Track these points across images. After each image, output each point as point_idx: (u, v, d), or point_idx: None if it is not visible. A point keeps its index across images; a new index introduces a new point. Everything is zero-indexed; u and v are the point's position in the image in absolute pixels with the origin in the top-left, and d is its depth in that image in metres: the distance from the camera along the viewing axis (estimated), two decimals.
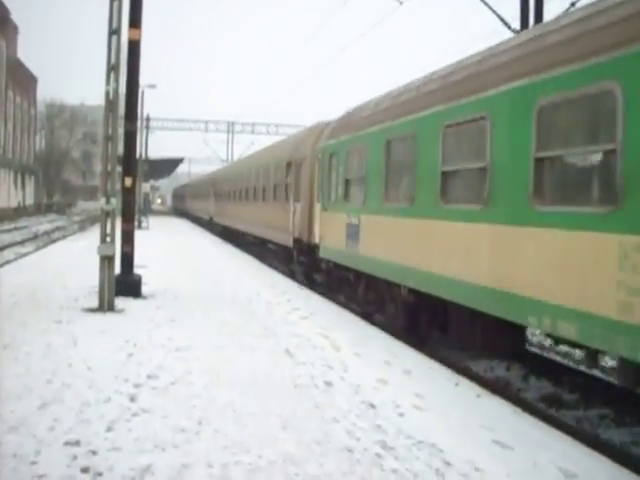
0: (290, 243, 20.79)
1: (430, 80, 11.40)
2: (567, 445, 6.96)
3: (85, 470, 5.37)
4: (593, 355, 7.72)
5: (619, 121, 6.53)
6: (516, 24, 16.56)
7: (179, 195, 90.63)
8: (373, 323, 13.43)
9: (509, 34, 15.86)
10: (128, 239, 14.98)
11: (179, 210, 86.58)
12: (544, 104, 7.69)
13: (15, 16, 71.46)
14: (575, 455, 6.61)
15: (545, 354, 12.50)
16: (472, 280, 9.10)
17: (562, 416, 8.70)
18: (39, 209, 77.00)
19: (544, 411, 8.66)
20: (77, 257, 22.68)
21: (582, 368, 10.82)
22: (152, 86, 50.77)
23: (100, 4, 16.37)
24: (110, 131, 13.18)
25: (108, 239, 13.10)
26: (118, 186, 14.79)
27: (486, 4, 16.57)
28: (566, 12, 11.24)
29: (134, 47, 14.80)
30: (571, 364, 11.75)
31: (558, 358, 12.27)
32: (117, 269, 13.81)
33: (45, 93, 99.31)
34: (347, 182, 14.85)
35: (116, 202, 13.29)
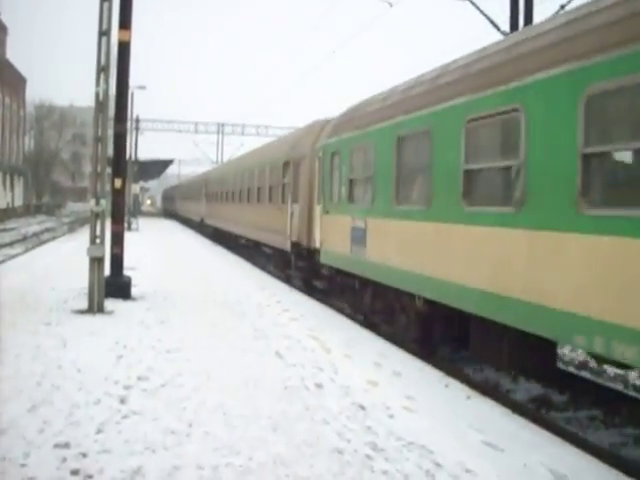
0: (287, 247, 19.75)
1: (448, 71, 10.36)
2: (557, 446, 6.98)
3: (75, 472, 5.36)
4: None
5: None
6: (506, 27, 16.64)
7: (169, 196, 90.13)
8: (369, 326, 13.13)
9: (499, 36, 15.92)
10: (118, 240, 14.95)
11: (169, 212, 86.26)
12: (594, 92, 6.73)
13: (4, 17, 71.22)
14: (565, 456, 6.63)
15: (577, 372, 11.26)
16: (502, 292, 8.08)
17: (552, 417, 8.73)
18: (28, 210, 76.67)
19: (534, 412, 8.67)
20: (66, 258, 22.60)
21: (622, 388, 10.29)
22: (142, 87, 50.61)
23: (90, 5, 16.38)
24: (100, 132, 13.16)
25: (98, 240, 13.06)
26: (108, 187, 14.77)
27: (476, 7, 16.63)
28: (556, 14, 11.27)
29: (124, 48, 14.77)
30: (615, 386, 10.51)
31: (590, 376, 11.03)
32: (107, 271, 13.77)
33: (34, 94, 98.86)
34: (351, 183, 13.88)
35: (106, 203, 13.27)
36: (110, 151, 14.84)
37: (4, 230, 45.28)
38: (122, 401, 7.26)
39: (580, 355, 11.81)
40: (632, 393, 10.06)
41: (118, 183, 14.85)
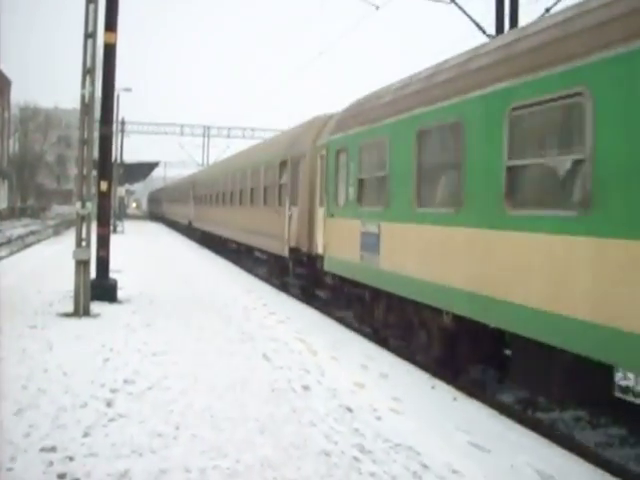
0: (285, 253, 18.21)
1: (481, 53, 9.05)
2: (543, 447, 7.02)
3: (62, 476, 5.34)
4: None
5: None
6: (491, 30, 16.72)
7: (155, 199, 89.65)
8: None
9: (484, 39, 16.00)
10: (103, 243, 14.89)
11: (155, 214, 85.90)
12: None
13: None
14: (551, 457, 6.67)
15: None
16: (561, 311, 6.82)
17: (538, 418, 8.77)
18: (13, 213, 76.18)
19: (520, 414, 8.71)
20: (52, 261, 22.50)
21: None
22: (127, 89, 50.53)
23: (76, 7, 16.33)
24: (86, 135, 13.11)
25: (83, 243, 13.02)
26: (93, 190, 14.72)
27: (462, 10, 16.70)
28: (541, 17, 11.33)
29: (110, 50, 14.73)
30: None
31: None
32: (93, 273, 13.72)
33: (19, 96, 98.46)
34: (361, 183, 12.52)
35: (91, 206, 13.22)
36: (96, 154, 14.81)
37: None
38: (109, 404, 7.23)
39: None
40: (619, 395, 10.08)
41: (104, 186, 14.80)
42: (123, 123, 59.62)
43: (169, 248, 33.86)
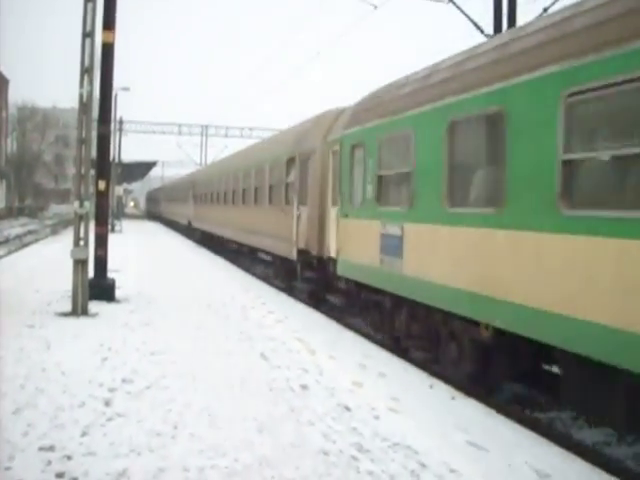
0: (293, 255, 17.15)
1: (525, 34, 8.03)
2: (541, 446, 7.03)
3: (60, 475, 5.35)
4: None
5: None
6: (489, 29, 16.74)
7: (154, 198, 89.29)
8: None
9: (482, 38, 16.02)
10: (101, 243, 14.89)
11: (153, 214, 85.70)
12: None
13: None
14: (549, 456, 6.69)
15: None
16: (629, 327, 5.92)
17: (536, 417, 8.78)
18: (10, 212, 76.09)
19: (518, 412, 8.71)
20: (50, 261, 22.48)
21: None
22: (125, 89, 50.49)
23: (74, 6, 16.31)
24: (84, 134, 13.11)
25: (81, 243, 13.01)
26: (91, 189, 14.71)
27: (460, 9, 16.71)
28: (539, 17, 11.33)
29: (108, 50, 14.72)
30: None
31: None
32: (91, 273, 13.72)
33: (17, 95, 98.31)
34: (381, 180, 11.52)
35: (89, 205, 13.22)
36: (94, 153, 14.80)
37: None
38: (107, 403, 7.23)
39: None
40: None
41: (102, 185, 14.80)
42: (121, 122, 59.59)
43: (167, 247, 33.86)
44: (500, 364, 8.85)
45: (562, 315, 6.75)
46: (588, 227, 6.48)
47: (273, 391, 8.05)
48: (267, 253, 22.16)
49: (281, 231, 18.49)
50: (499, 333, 8.12)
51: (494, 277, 8.03)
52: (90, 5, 13.15)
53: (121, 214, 56.57)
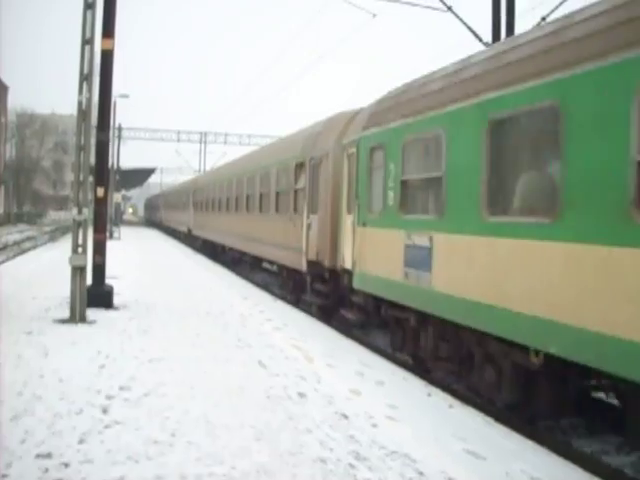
0: (303, 267, 16.18)
1: (583, 19, 7.02)
2: (539, 454, 7.02)
3: None
4: None
5: None
6: (487, 37, 16.77)
7: (153, 205, 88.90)
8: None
9: (481, 47, 16.06)
10: (100, 249, 14.89)
11: (152, 221, 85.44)
12: None
13: None
14: (547, 464, 6.68)
15: None
16: None
17: (534, 426, 8.77)
18: (9, 219, 76.10)
19: (516, 421, 8.71)
20: (48, 267, 22.47)
21: None
22: (124, 96, 50.62)
23: (73, 13, 16.36)
24: (82, 141, 13.12)
25: (80, 249, 13.01)
26: (90, 196, 14.72)
27: (458, 18, 16.75)
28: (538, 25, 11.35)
29: (107, 57, 14.75)
30: None
31: None
32: (89, 280, 13.71)
33: (16, 102, 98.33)
34: (405, 186, 10.58)
35: (88, 212, 13.22)
36: (92, 160, 14.81)
37: None
38: (104, 411, 7.22)
39: None
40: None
41: (100, 192, 14.82)
42: (120, 129, 59.65)
43: (165, 254, 33.84)
44: (547, 392, 7.92)
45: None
46: None
47: (271, 399, 8.04)
48: (272, 263, 21.31)
49: (289, 241, 17.59)
50: (549, 359, 7.23)
51: (550, 298, 6.99)
52: (90, 12, 13.18)
53: (119, 221, 56.56)
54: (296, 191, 17.54)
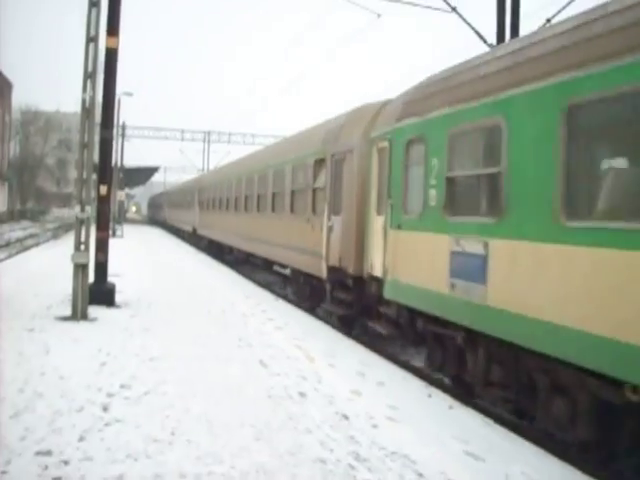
0: (322, 273, 14.77)
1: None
2: (538, 456, 7.02)
3: None
4: None
5: None
6: (492, 39, 16.77)
7: (156, 204, 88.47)
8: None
9: (485, 48, 16.04)
10: (102, 247, 14.90)
11: (156, 220, 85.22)
12: None
13: None
14: (546, 466, 6.68)
15: None
16: None
17: (533, 428, 8.76)
18: (12, 216, 76.18)
19: (516, 422, 8.69)
20: (50, 265, 22.48)
21: None
22: (128, 94, 50.66)
23: (78, 11, 16.36)
24: (86, 138, 13.13)
25: (82, 247, 13.02)
26: (93, 194, 14.74)
27: (463, 19, 16.75)
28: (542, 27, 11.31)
29: (111, 55, 14.75)
30: None
31: None
32: (91, 277, 13.73)
33: (20, 99, 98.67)
34: (451, 183, 9.24)
35: (91, 210, 13.24)
36: (96, 157, 14.83)
37: None
38: (105, 409, 7.23)
39: None
40: None
41: (103, 190, 14.83)
42: (124, 127, 59.72)
43: (168, 253, 33.85)
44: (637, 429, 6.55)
45: None
46: None
47: (271, 398, 8.05)
48: (284, 267, 20.22)
49: (306, 244, 16.08)
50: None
51: None
52: (94, 10, 13.19)
53: (122, 219, 56.60)
54: (315, 190, 16.06)
